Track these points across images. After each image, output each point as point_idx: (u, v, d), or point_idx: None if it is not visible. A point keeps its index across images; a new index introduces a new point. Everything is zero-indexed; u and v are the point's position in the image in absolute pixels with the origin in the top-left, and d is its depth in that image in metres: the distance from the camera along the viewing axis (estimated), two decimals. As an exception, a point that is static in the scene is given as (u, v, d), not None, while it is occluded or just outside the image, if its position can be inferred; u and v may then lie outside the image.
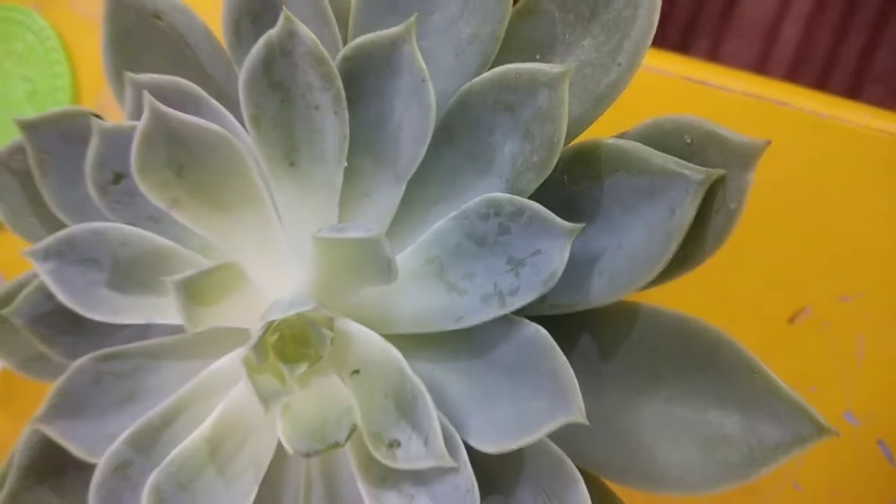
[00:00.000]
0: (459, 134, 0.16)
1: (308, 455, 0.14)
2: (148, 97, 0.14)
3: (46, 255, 0.16)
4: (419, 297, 0.16)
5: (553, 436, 0.15)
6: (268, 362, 0.15)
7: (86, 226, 0.17)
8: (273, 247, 0.17)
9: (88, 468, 0.17)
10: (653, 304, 0.16)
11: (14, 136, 0.20)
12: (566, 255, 0.14)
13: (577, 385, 0.14)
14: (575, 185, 0.15)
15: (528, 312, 0.15)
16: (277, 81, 0.16)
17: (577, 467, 0.15)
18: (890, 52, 0.66)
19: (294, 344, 0.15)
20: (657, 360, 0.15)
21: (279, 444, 0.17)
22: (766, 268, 0.27)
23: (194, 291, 0.14)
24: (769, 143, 0.13)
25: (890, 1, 0.63)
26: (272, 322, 0.14)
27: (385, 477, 0.15)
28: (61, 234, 0.17)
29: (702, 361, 0.15)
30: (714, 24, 0.69)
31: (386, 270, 0.14)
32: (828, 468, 0.26)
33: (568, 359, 0.15)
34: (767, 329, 0.27)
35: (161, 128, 0.15)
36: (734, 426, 0.14)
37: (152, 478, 0.15)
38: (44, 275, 0.16)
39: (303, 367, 0.15)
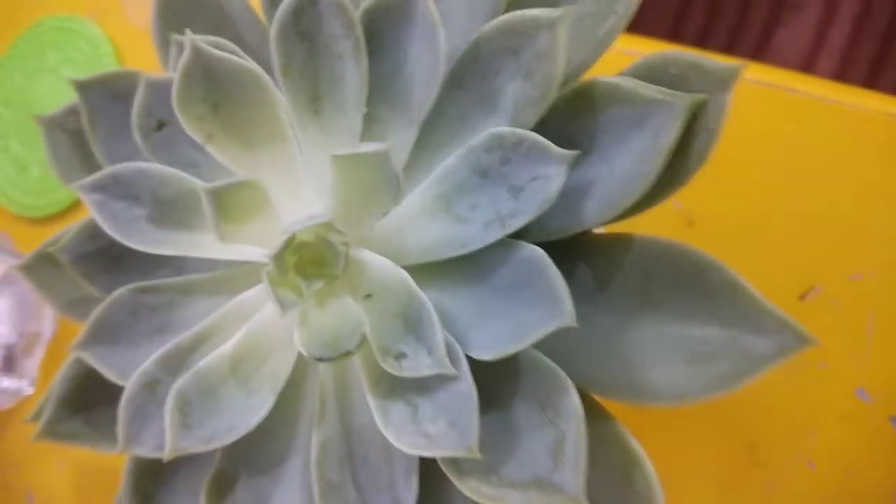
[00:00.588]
0: (469, 80, 0.18)
1: (322, 359, 0.16)
2: (190, 36, 0.16)
3: (93, 188, 0.18)
4: (428, 230, 0.17)
5: (549, 356, 0.16)
6: (287, 278, 0.16)
7: (129, 165, 0.18)
8: (297, 185, 0.18)
9: (119, 403, 0.19)
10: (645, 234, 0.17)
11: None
12: (562, 179, 0.15)
13: (569, 294, 0.15)
14: (574, 121, 0.17)
15: (528, 240, 0.16)
16: (304, 31, 0.17)
17: (572, 385, 0.16)
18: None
19: (312, 265, 0.17)
20: (649, 285, 0.16)
21: (297, 366, 0.18)
22: (777, 247, 0.28)
23: (222, 203, 0.15)
24: (743, 65, 0.14)
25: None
26: (292, 236, 0.16)
27: (392, 389, 0.16)
28: (107, 171, 0.18)
29: (690, 283, 0.16)
30: (748, 57, 0.70)
31: (394, 186, 0.15)
32: (841, 446, 0.27)
33: (566, 287, 0.16)
34: (778, 307, 0.28)
35: (200, 65, 0.16)
36: (720, 340, 0.15)
37: (178, 384, 0.17)
38: (90, 206, 0.18)
39: (319, 284, 0.16)
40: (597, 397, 0.17)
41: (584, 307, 0.17)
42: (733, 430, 0.27)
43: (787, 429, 0.27)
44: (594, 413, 0.17)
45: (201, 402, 0.17)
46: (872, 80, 0.71)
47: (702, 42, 0.72)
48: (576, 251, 0.17)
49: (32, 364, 0.42)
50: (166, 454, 0.16)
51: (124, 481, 0.20)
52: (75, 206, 0.38)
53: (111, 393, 0.19)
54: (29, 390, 0.42)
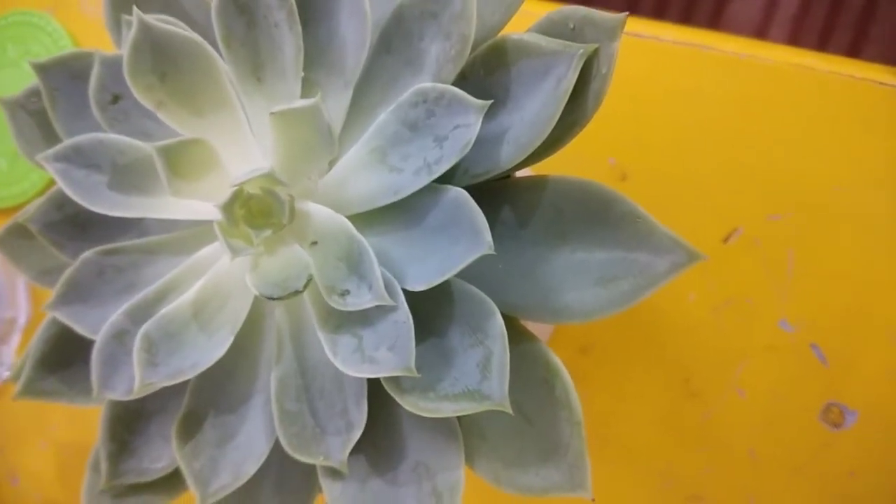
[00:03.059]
0: (396, 44, 0.19)
1: (272, 298, 0.17)
2: (137, 12, 0.18)
3: (56, 158, 0.20)
4: (366, 181, 0.19)
5: (479, 287, 0.18)
6: (239, 229, 0.18)
7: (89, 136, 0.20)
8: (245, 147, 0.20)
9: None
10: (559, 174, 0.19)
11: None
12: (478, 126, 0.17)
13: (488, 227, 0.17)
14: (490, 75, 0.19)
15: (456, 185, 0.18)
16: (243, 4, 0.19)
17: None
18: (875, 52, 0.70)
19: (260, 216, 0.18)
20: (563, 219, 0.18)
21: (254, 310, 0.20)
22: (701, 195, 0.30)
23: (172, 159, 0.17)
24: (628, 15, 0.16)
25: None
26: (239, 188, 0.17)
27: (339, 324, 0.18)
28: (68, 142, 0.20)
29: (598, 215, 0.18)
30: (705, 25, 0.72)
31: (328, 138, 0.17)
32: (767, 373, 0.29)
33: (493, 227, 0.18)
34: (704, 250, 0.30)
35: (147, 37, 0.18)
36: (623, 263, 0.17)
37: (144, 328, 0.18)
38: (54, 174, 0.20)
39: (267, 232, 0.18)
40: (524, 322, 0.19)
41: (509, 243, 0.19)
42: (669, 365, 0.30)
43: (718, 361, 0.29)
44: (521, 336, 0.19)
45: (166, 343, 0.18)
46: (822, 47, 0.74)
47: (657, 17, 0.75)
48: (501, 195, 0.19)
49: (9, 350, 0.44)
50: (136, 388, 0.18)
51: (101, 430, 0.21)
52: (42, 195, 0.39)
53: (84, 352, 0.21)
54: (6, 375, 0.43)
